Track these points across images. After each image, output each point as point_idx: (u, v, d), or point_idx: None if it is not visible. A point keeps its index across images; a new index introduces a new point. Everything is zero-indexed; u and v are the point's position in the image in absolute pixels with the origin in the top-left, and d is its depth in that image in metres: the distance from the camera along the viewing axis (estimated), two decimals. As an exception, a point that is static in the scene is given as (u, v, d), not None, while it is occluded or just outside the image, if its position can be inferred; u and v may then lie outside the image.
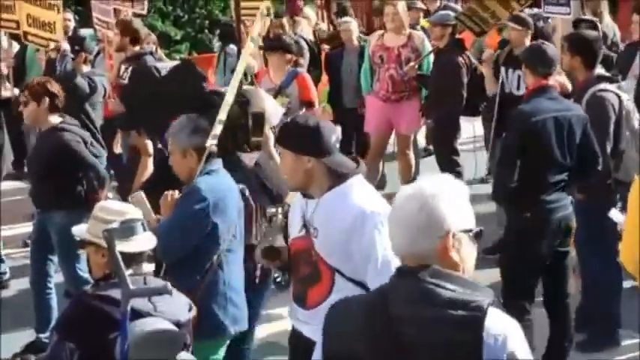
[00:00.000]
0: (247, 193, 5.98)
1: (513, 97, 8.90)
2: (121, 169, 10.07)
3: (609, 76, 7.51)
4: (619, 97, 7.30)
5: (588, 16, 10.21)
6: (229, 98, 6.05)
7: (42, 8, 9.70)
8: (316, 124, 4.68)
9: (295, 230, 4.86)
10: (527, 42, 9.00)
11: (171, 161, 5.83)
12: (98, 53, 11.42)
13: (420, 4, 14.10)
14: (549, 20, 10.76)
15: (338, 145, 4.80)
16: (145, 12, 12.13)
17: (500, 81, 9.41)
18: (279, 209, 7.96)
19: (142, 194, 5.85)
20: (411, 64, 10.61)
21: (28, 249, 8.31)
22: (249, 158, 6.47)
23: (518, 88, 9.14)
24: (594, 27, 9.16)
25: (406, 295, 3.11)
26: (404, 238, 3.16)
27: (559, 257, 6.78)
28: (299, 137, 4.69)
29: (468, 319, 3.01)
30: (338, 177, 4.67)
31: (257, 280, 6.19)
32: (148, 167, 7.25)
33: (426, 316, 3.04)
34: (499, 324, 3.04)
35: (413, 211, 3.13)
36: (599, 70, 7.50)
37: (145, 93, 7.10)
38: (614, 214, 6.31)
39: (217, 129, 5.75)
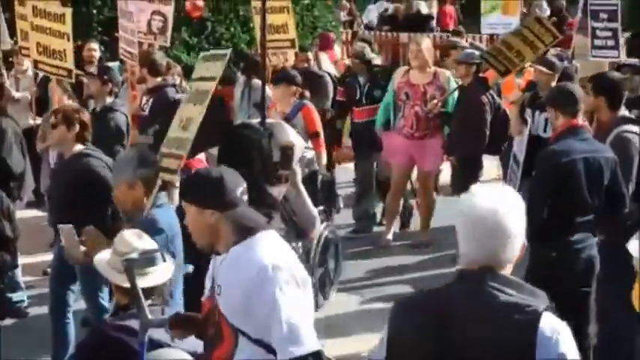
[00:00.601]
0: None
1: (539, 139, 8.84)
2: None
3: (634, 118, 7.48)
4: (643, 138, 7.26)
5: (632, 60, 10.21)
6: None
7: (51, 36, 9.58)
8: (220, 176, 4.34)
9: (207, 291, 4.46)
10: (554, 85, 8.95)
11: (116, 192, 5.87)
12: (123, 83, 11.44)
13: (464, 43, 14.05)
14: (573, 61, 10.76)
15: (245, 198, 4.41)
16: (167, 44, 12.18)
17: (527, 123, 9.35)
18: (299, 243, 7.96)
19: (72, 227, 5.90)
20: (434, 101, 10.59)
21: (48, 277, 8.30)
22: (277, 191, 6.43)
23: (545, 130, 9.06)
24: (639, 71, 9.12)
25: (466, 297, 3.33)
26: (485, 250, 3.36)
27: (582, 297, 6.73)
28: (201, 191, 4.34)
29: (524, 322, 3.27)
30: (244, 231, 4.28)
31: None
32: (174, 200, 7.24)
33: (483, 317, 3.27)
34: (552, 327, 3.33)
35: (499, 222, 3.34)
36: (623, 111, 7.47)
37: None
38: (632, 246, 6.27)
39: (172, 164, 5.94)
